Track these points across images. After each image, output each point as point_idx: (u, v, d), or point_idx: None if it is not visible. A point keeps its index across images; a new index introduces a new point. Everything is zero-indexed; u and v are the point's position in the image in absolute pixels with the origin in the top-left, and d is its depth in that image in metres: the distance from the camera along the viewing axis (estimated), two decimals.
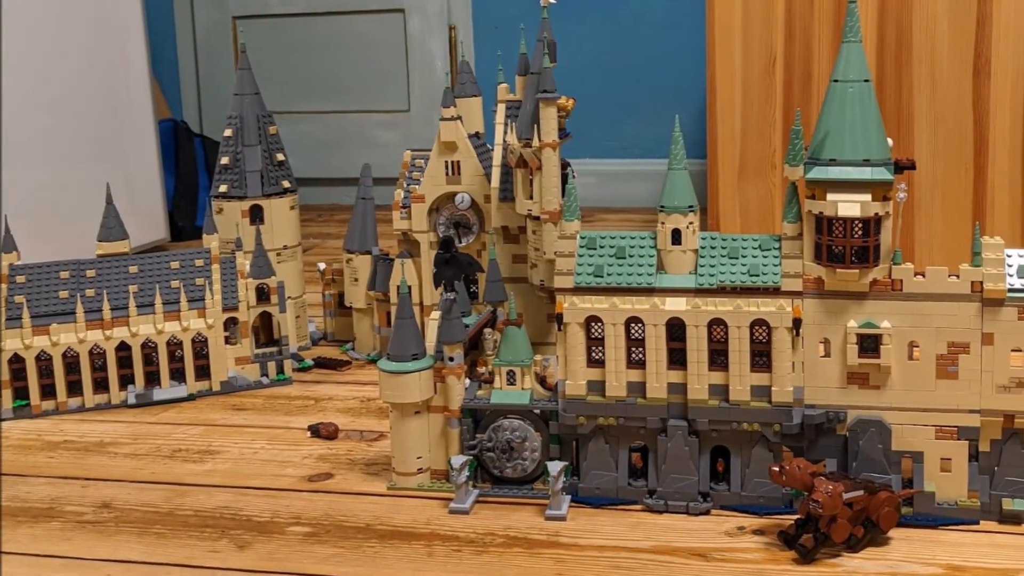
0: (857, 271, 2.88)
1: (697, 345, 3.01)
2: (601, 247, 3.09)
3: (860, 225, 2.87)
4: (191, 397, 3.98)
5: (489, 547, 2.92)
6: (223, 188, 4.32)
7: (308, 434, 3.68)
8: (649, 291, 3.03)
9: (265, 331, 4.18)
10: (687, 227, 3.03)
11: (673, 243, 3.03)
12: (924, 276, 2.88)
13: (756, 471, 3.06)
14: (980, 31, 4.12)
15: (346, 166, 7.19)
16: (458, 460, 3.13)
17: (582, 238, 3.11)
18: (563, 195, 3.42)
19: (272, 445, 3.63)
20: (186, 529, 3.08)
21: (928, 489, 2.93)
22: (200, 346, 3.98)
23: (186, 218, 6.70)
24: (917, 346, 2.92)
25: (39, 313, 3.82)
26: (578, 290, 3.07)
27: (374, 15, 7.52)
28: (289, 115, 7.37)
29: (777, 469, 2.84)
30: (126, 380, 3.93)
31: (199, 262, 4.00)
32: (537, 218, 3.71)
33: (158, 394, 3.94)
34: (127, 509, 3.22)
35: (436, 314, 3.29)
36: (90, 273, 3.92)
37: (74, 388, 3.89)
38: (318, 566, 2.85)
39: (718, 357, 3.03)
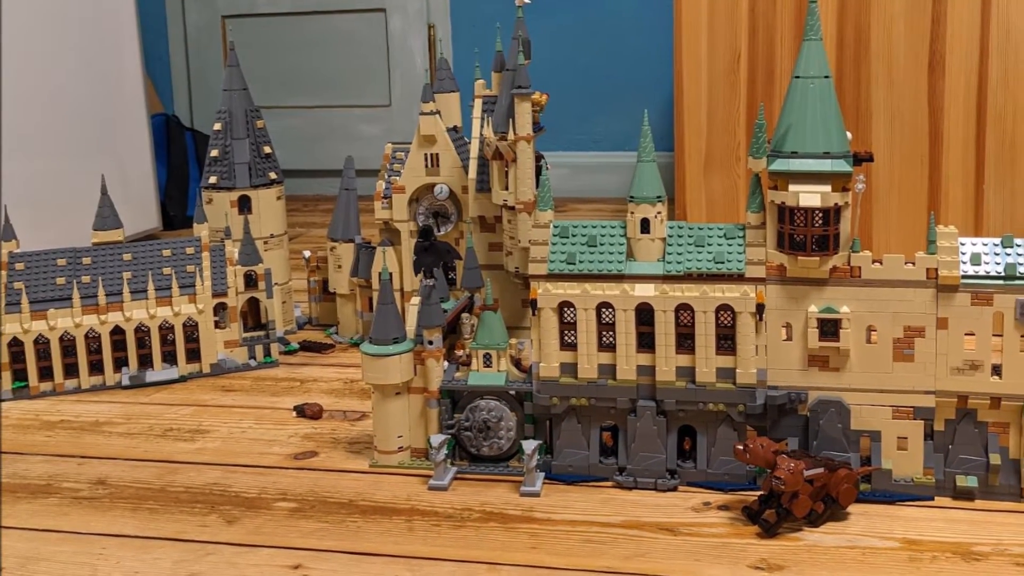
0: (818, 259, 2.88)
1: (665, 329, 3.00)
2: (573, 236, 3.08)
3: (820, 215, 2.86)
4: (182, 379, 3.96)
5: (466, 522, 2.91)
6: (213, 179, 4.31)
7: (294, 414, 3.66)
8: (619, 278, 3.02)
9: (253, 316, 4.17)
10: (655, 216, 3.02)
11: (642, 232, 3.02)
12: (881, 263, 2.87)
13: (721, 449, 3.05)
14: (935, 29, 4.12)
15: (330, 158, 7.18)
16: (437, 439, 3.12)
17: (555, 227, 3.10)
18: (537, 186, 3.40)
19: (259, 425, 3.61)
20: (177, 505, 3.07)
21: (885, 467, 2.93)
22: (191, 330, 3.97)
23: (177, 208, 6.67)
24: (875, 330, 2.91)
25: (37, 299, 3.81)
26: (551, 277, 3.06)
27: (357, 14, 7.50)
28: (276, 110, 7.35)
29: (741, 447, 2.84)
30: (120, 362, 3.92)
31: (190, 250, 3.98)
32: (512, 208, 3.70)
33: (151, 376, 3.93)
34: (121, 486, 3.20)
35: (416, 299, 3.28)
36: (86, 260, 3.90)
37: (71, 370, 3.88)
38: (303, 540, 2.84)
39: (685, 341, 3.03)
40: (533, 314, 3.09)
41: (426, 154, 4.01)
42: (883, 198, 4.29)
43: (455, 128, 4.14)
